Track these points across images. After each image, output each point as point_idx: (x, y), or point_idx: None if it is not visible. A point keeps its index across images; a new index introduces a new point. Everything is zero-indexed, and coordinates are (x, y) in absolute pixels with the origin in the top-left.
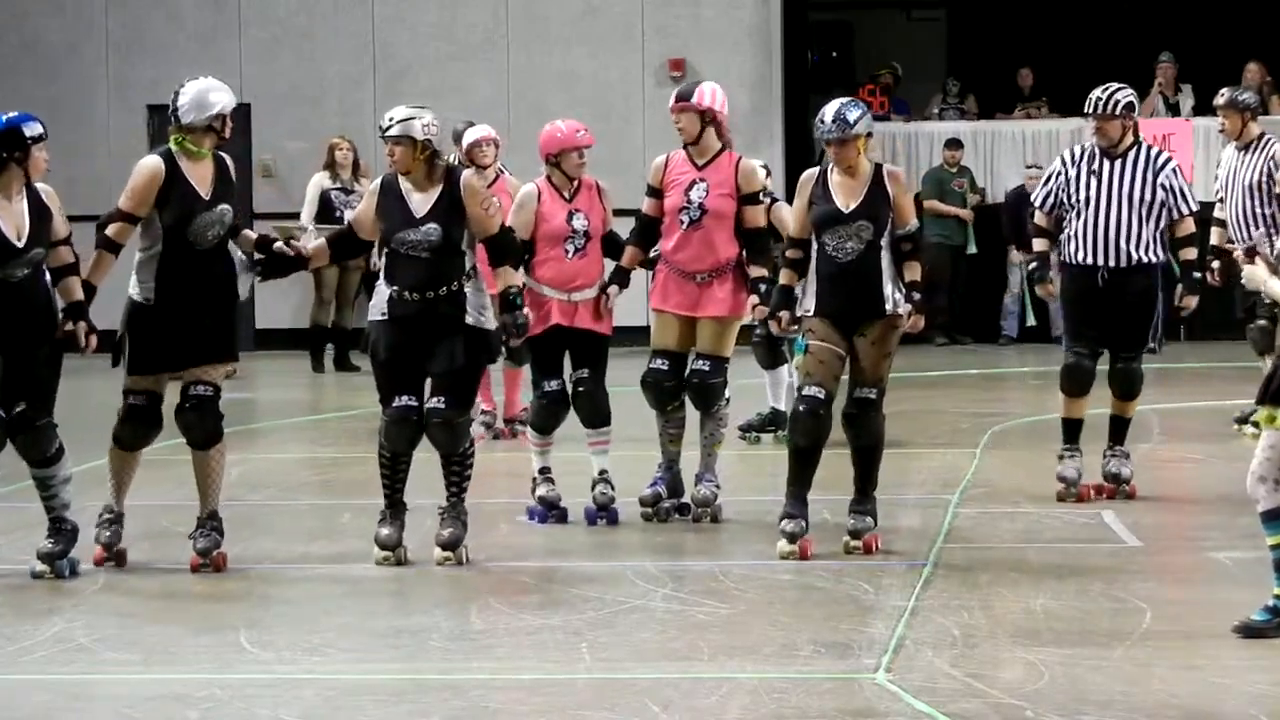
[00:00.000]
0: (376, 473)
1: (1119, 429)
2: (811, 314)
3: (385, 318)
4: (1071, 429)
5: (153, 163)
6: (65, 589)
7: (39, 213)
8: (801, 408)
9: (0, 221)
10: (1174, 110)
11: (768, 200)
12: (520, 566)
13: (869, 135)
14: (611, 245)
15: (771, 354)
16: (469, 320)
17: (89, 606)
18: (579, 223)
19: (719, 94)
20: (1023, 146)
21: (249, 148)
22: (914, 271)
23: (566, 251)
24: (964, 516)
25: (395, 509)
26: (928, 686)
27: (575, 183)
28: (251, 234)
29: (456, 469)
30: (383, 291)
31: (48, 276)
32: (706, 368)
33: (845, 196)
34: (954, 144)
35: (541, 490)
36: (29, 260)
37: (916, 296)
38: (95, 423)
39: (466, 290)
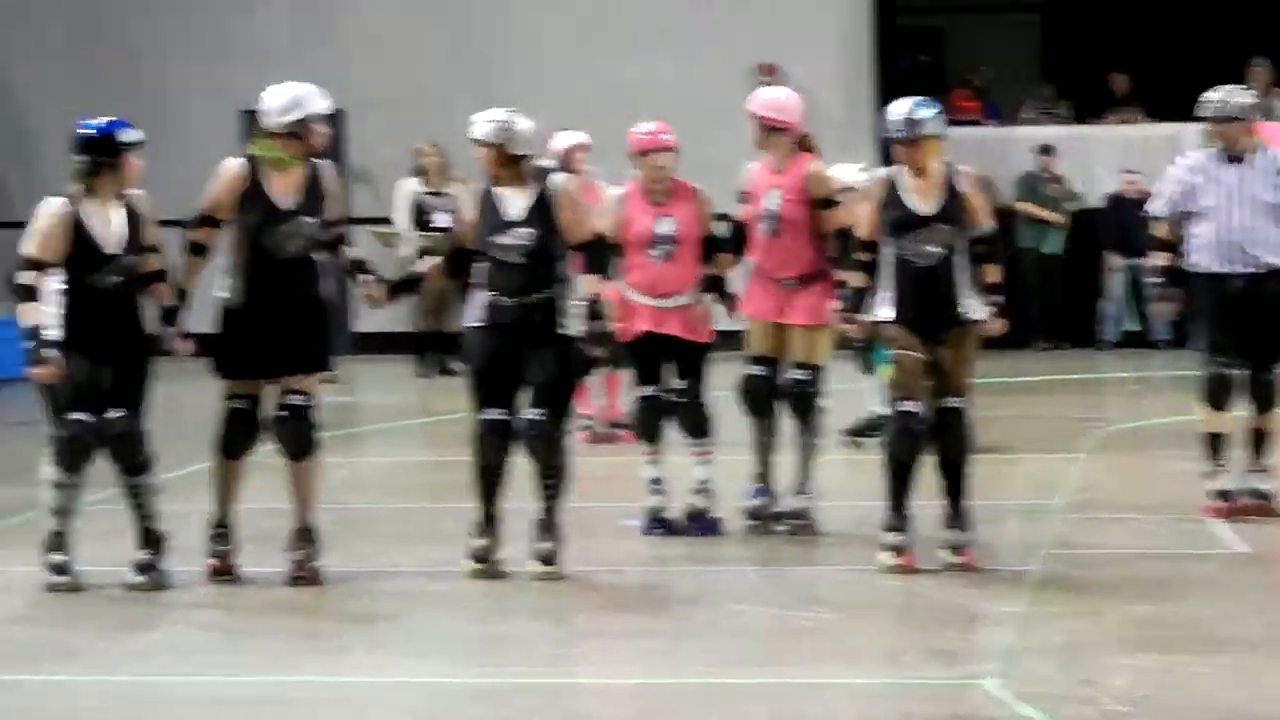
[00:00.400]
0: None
1: (1262, 442)
2: (889, 321)
3: (481, 324)
4: (1217, 443)
5: (234, 165)
6: (163, 594)
7: (132, 220)
8: (899, 424)
9: (94, 228)
10: (1267, 115)
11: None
12: (621, 572)
13: (940, 138)
14: (709, 251)
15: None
16: (561, 330)
17: (188, 611)
18: (665, 227)
19: (777, 100)
20: (1117, 152)
21: (342, 153)
22: (992, 274)
23: (654, 256)
24: (1068, 522)
25: (490, 522)
26: (1036, 693)
27: (667, 186)
28: (349, 252)
29: (553, 482)
30: (479, 297)
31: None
32: (802, 376)
33: (921, 200)
34: (1047, 150)
35: (650, 502)
36: (122, 268)
37: (997, 299)
38: (194, 428)
39: (561, 299)
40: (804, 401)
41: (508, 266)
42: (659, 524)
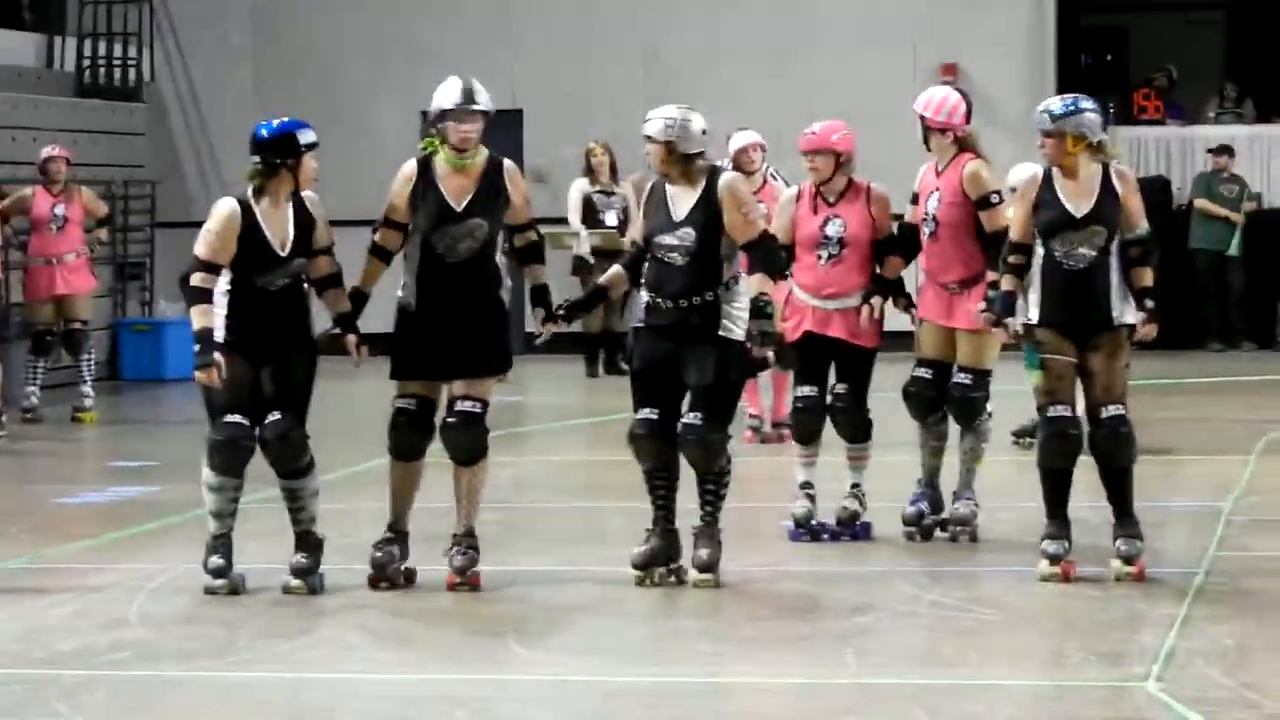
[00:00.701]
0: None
1: None
2: (1038, 324)
3: (642, 324)
4: None
5: (407, 166)
6: (326, 597)
7: (304, 222)
8: (1050, 430)
9: (266, 229)
10: None
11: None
12: (782, 572)
13: (1084, 137)
14: (881, 253)
15: None
16: (722, 333)
17: (354, 610)
18: (833, 229)
19: (936, 99)
20: None
21: (520, 152)
22: (1145, 278)
23: (819, 258)
24: (1237, 525)
25: (657, 526)
26: (1200, 696)
27: (837, 187)
28: (541, 272)
29: (711, 487)
30: (641, 298)
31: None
32: (967, 380)
33: (1076, 200)
34: (1223, 150)
35: (796, 507)
36: (291, 270)
37: (1150, 304)
38: (365, 427)
39: (724, 301)
40: (967, 406)
41: (669, 267)
42: (805, 529)
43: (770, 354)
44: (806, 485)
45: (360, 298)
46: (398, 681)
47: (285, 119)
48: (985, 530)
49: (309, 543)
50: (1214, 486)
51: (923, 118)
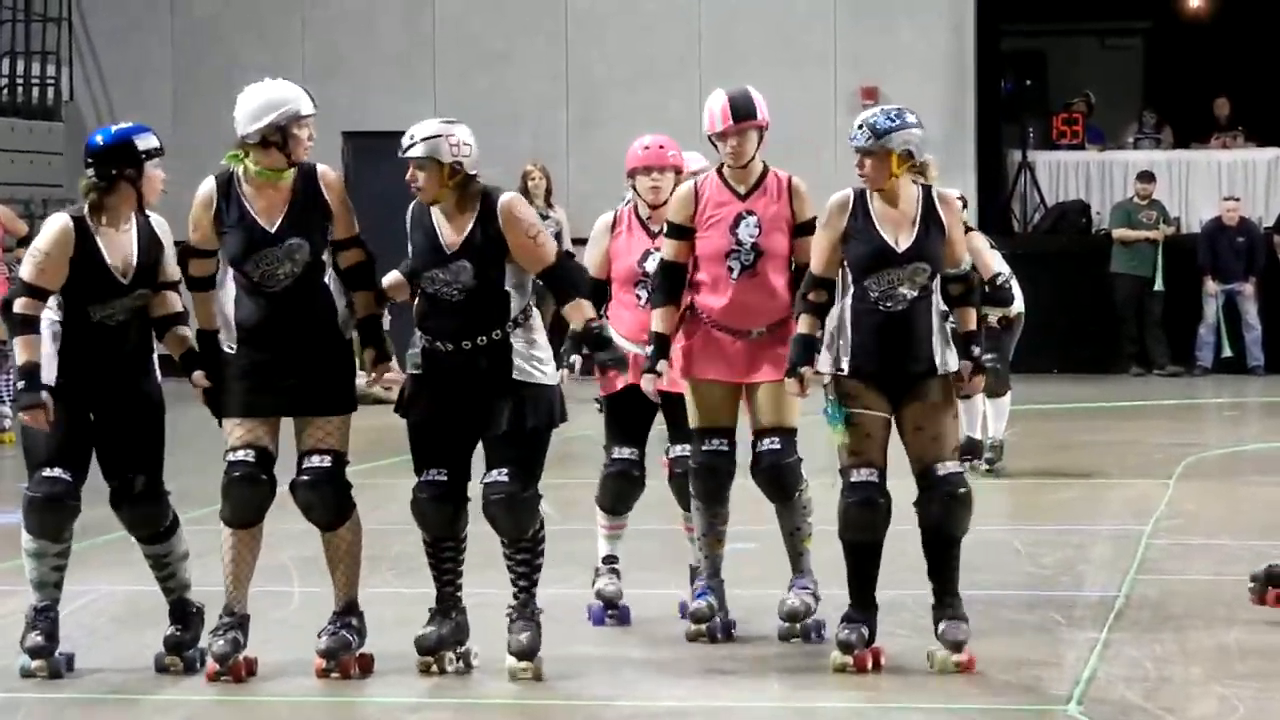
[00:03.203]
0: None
1: None
2: (847, 374)
3: (420, 372)
4: None
5: (204, 187)
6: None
7: (149, 246)
8: (853, 498)
9: (106, 253)
10: None
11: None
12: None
13: (909, 156)
14: None
15: None
16: (517, 375)
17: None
18: (654, 264)
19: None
20: (1219, 176)
21: None
22: (969, 319)
23: (639, 297)
24: (1157, 548)
25: (443, 604)
26: None
27: (664, 213)
28: (371, 301)
29: (525, 557)
30: (416, 341)
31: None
32: (777, 445)
33: (895, 230)
34: (1146, 176)
35: (601, 583)
36: (133, 301)
37: (977, 351)
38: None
39: (514, 340)
40: (785, 476)
41: (444, 304)
42: (609, 605)
43: (620, 381)
44: (611, 559)
45: (210, 338)
46: None
47: (126, 124)
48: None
49: (185, 613)
50: (1135, 510)
51: (766, 126)
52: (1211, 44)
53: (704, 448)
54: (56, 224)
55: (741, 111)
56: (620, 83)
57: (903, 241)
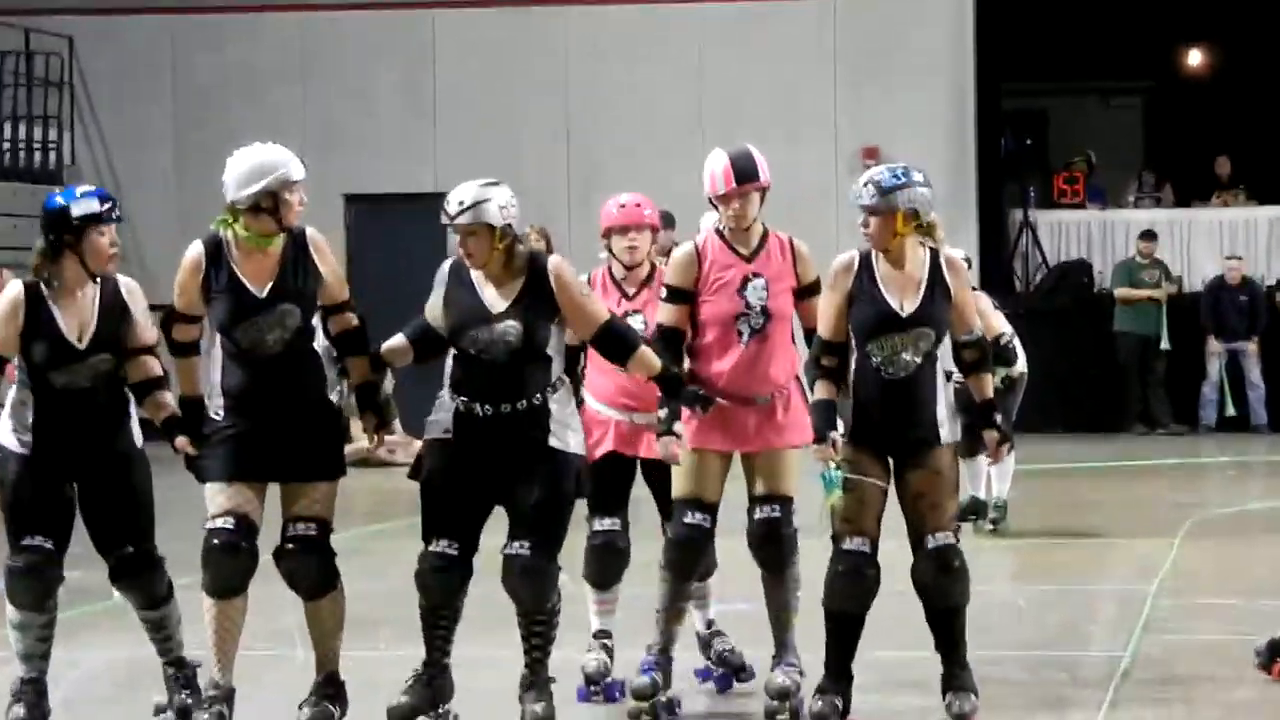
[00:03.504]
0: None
1: None
2: (844, 440)
3: (449, 435)
4: None
5: (192, 251)
6: None
7: (111, 311)
8: (842, 567)
9: (60, 319)
10: None
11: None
12: None
13: (915, 215)
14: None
15: (970, 442)
16: (553, 442)
17: None
18: (638, 325)
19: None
20: (1220, 235)
21: (444, 242)
22: (985, 387)
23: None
24: (1162, 608)
25: (433, 669)
26: None
27: (640, 274)
28: (365, 366)
29: (541, 629)
30: (447, 404)
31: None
32: (777, 513)
33: (899, 294)
34: (1148, 235)
35: (587, 658)
36: (92, 367)
37: (999, 419)
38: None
39: (552, 405)
40: (782, 546)
41: (484, 365)
42: (590, 684)
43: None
44: (603, 634)
45: (194, 404)
46: None
47: (80, 188)
48: None
49: (185, 676)
50: (1139, 570)
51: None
52: (1212, 103)
53: (685, 520)
54: (9, 292)
55: (743, 173)
56: (622, 149)
57: (908, 306)
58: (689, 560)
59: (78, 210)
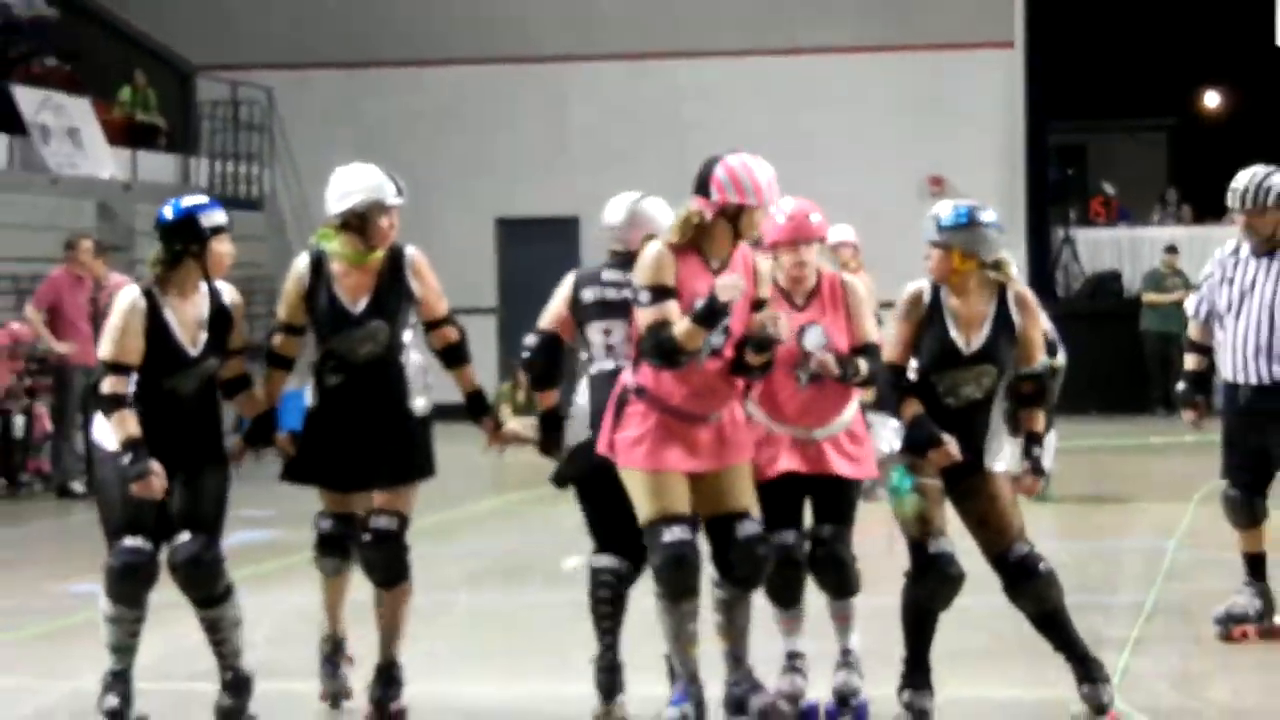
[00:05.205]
0: None
1: None
2: (902, 450)
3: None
4: (1249, 563)
5: (299, 263)
6: None
7: (219, 318)
8: (936, 567)
9: (174, 326)
10: None
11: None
12: None
13: (973, 256)
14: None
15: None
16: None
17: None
18: (817, 337)
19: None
20: None
21: (578, 259)
22: (1036, 422)
23: (799, 378)
24: (1180, 561)
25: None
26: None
27: (807, 284)
28: (469, 376)
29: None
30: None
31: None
32: (758, 527)
33: (965, 330)
34: (1171, 249)
35: (783, 682)
36: (202, 372)
37: (1037, 453)
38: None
39: None
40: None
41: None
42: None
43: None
44: (795, 655)
45: (266, 414)
46: None
47: (190, 199)
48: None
49: (236, 681)
50: (1160, 528)
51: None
52: (1228, 139)
53: (665, 540)
54: (126, 300)
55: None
56: None
57: (974, 342)
58: (681, 580)
59: (206, 220)
